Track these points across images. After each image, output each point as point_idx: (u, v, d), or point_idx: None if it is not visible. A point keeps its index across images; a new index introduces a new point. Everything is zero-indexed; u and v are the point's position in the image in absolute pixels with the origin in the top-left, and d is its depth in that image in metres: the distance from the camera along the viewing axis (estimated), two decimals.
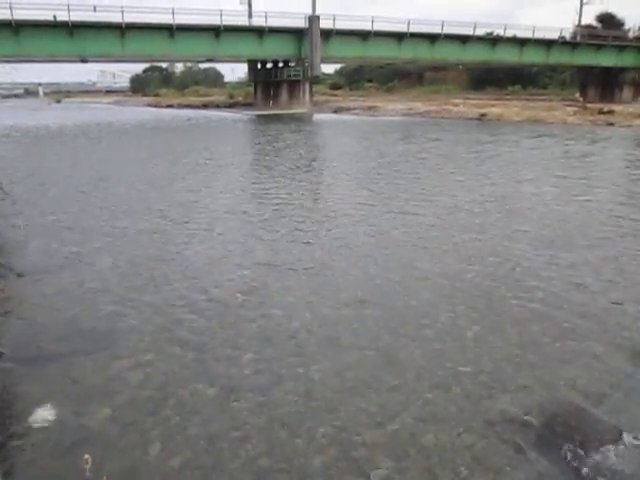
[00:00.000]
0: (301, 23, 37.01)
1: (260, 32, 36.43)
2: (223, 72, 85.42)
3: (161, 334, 4.39)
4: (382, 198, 9.76)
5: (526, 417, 3.30)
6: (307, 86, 40.22)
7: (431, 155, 16.02)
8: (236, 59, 42.54)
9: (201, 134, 25.69)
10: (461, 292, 5.32)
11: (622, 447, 2.99)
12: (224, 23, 34.68)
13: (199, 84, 75.84)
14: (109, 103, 68.29)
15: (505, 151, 16.82)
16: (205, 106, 49.97)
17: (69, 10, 30.13)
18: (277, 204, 9.27)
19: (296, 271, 5.93)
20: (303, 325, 4.58)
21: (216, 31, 34.88)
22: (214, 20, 34.37)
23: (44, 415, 3.30)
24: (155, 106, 54.92)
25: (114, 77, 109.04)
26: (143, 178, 12.11)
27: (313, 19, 36.80)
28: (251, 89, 47.70)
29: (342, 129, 27.57)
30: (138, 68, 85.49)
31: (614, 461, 2.89)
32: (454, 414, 3.36)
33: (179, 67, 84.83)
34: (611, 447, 2.98)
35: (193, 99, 57.70)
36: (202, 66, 78.44)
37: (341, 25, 37.71)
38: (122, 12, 31.45)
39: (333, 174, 12.73)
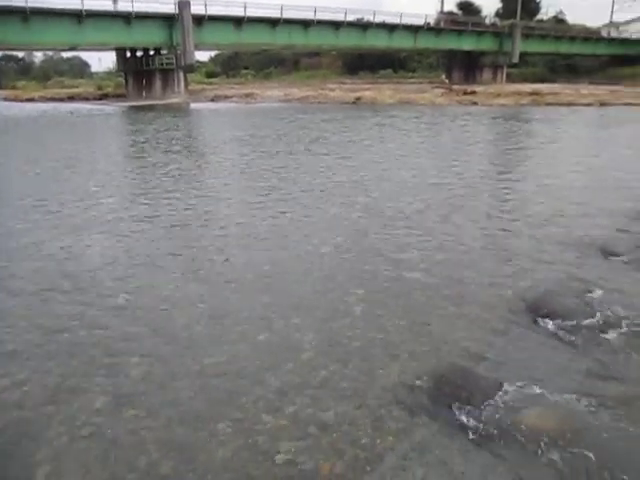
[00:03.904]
0: (171, 9, 35.53)
1: (127, 18, 34.43)
2: (90, 62, 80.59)
3: None
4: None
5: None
6: (181, 75, 38.91)
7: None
8: (102, 47, 39.98)
9: (66, 132, 23.98)
10: None
11: (504, 397, 3.25)
12: (86, 8, 32.36)
13: (63, 75, 70.90)
14: None
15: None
16: (71, 98, 46.48)
17: None
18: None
19: None
20: None
21: (78, 16, 32.48)
22: (75, 4, 31.94)
23: None
24: (13, 100, 50.23)
25: None
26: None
27: (183, 4, 35.37)
28: (122, 79, 45.14)
29: (221, 118, 27.07)
30: None
31: (498, 410, 3.14)
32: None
33: (39, 56, 78.57)
34: (495, 398, 3.23)
35: (57, 91, 53.46)
36: (65, 55, 73.28)
37: (213, 11, 36.78)
38: None
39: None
